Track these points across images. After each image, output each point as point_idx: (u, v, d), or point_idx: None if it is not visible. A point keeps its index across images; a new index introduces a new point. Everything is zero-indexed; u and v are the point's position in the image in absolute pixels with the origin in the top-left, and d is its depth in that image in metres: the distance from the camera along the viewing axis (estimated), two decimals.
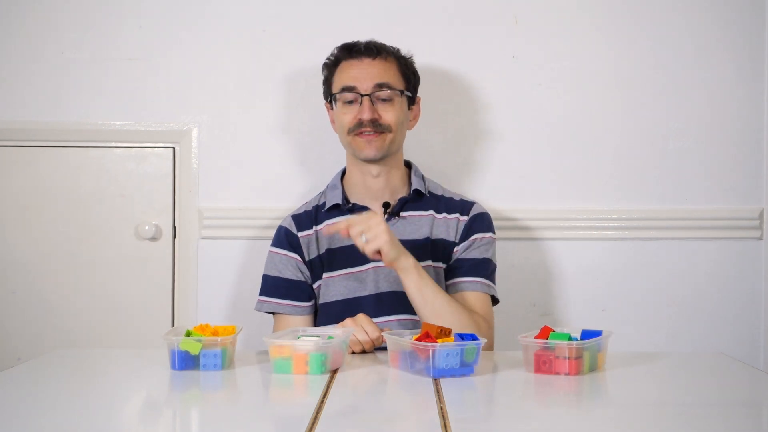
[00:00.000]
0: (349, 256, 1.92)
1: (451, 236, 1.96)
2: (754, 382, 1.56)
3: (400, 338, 1.56)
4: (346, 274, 1.92)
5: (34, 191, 2.33)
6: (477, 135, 2.33)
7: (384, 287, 1.90)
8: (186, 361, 1.54)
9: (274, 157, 2.33)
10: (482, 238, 1.96)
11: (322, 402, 1.32)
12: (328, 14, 2.32)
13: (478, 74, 2.33)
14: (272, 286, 1.94)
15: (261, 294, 1.96)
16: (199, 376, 1.51)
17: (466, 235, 1.96)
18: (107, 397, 1.41)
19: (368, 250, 1.73)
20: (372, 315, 1.84)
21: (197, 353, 1.54)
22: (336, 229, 1.78)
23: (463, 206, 2.00)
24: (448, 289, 1.92)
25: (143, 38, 2.33)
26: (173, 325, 2.31)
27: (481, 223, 1.98)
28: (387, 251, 1.73)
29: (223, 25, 2.33)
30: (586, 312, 2.32)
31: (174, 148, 2.33)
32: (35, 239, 2.32)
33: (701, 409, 1.33)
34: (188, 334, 1.57)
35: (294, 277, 1.94)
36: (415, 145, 2.30)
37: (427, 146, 2.32)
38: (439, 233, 1.95)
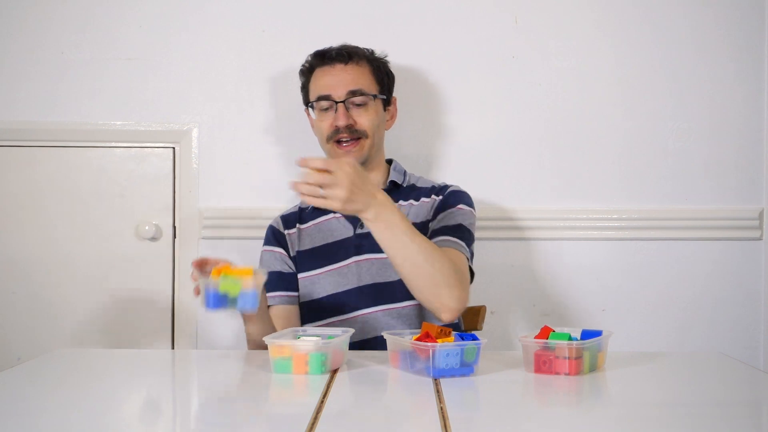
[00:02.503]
0: (330, 253, 1.96)
1: (428, 216, 1.95)
2: (754, 382, 1.56)
3: (400, 338, 1.56)
4: (328, 270, 1.95)
5: (34, 191, 2.33)
6: (476, 135, 2.33)
7: (366, 280, 1.92)
8: (221, 301, 1.55)
9: (274, 157, 2.33)
10: (459, 208, 1.92)
11: (322, 402, 1.32)
12: (328, 14, 2.32)
13: (478, 74, 2.33)
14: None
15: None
16: (199, 377, 1.51)
17: (440, 209, 1.93)
18: (107, 397, 1.41)
19: (319, 204, 1.58)
20: (356, 307, 1.90)
21: (236, 295, 1.55)
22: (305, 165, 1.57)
23: (440, 189, 1.99)
24: None
25: (143, 38, 2.33)
26: (173, 325, 2.32)
27: (458, 197, 1.95)
28: (340, 210, 1.59)
29: (222, 25, 2.33)
30: (586, 312, 2.32)
31: (174, 148, 2.33)
32: (35, 239, 2.32)
33: (701, 409, 1.33)
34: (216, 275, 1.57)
35: (282, 270, 1.98)
36: (416, 145, 2.30)
37: (426, 145, 2.32)
38: (415, 217, 1.96)
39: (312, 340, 1.54)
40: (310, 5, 2.33)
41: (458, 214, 1.92)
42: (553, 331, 1.54)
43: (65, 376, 1.58)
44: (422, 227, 1.93)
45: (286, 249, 2.00)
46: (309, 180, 1.57)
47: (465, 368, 1.49)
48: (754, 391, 1.49)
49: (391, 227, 1.66)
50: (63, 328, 2.32)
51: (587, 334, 1.55)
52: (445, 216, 1.92)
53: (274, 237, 2.02)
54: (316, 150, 2.29)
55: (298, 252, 1.99)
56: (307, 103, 2.03)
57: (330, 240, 1.97)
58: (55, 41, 2.32)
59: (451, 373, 1.48)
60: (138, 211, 2.33)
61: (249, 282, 1.56)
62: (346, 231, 1.97)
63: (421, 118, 2.31)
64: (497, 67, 2.33)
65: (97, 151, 2.34)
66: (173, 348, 2.30)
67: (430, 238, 1.87)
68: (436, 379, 1.46)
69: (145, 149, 2.34)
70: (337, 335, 1.58)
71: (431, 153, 2.32)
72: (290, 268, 1.99)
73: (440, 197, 1.97)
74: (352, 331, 1.63)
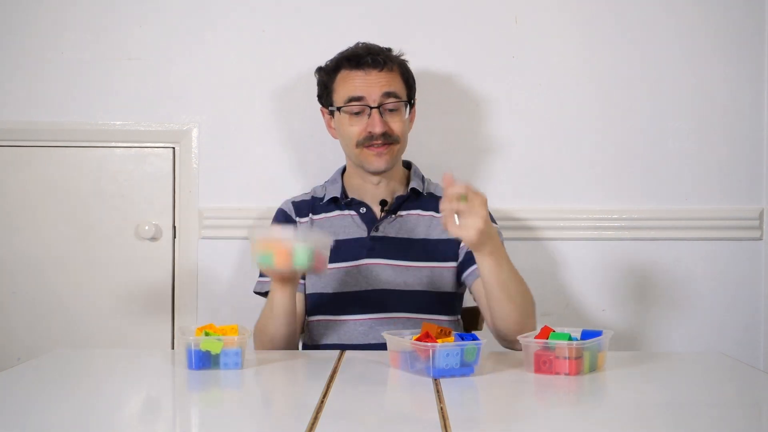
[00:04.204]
0: (342, 249, 1.92)
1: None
2: (754, 382, 1.56)
3: (400, 338, 1.56)
4: (338, 267, 1.92)
5: (34, 191, 2.33)
6: (477, 135, 2.33)
7: (375, 285, 1.91)
8: (203, 361, 1.54)
9: (273, 157, 2.33)
10: None
11: (322, 402, 1.32)
12: (328, 15, 2.32)
13: (479, 74, 2.33)
14: None
15: (261, 276, 1.96)
16: (198, 377, 1.51)
17: None
18: (107, 397, 1.41)
19: (455, 233, 1.58)
20: (362, 312, 1.88)
21: (218, 352, 1.54)
22: (452, 188, 1.58)
23: None
24: (468, 279, 1.90)
25: (143, 38, 2.33)
26: (173, 325, 2.32)
27: None
28: (473, 241, 1.58)
29: (223, 25, 2.33)
30: (586, 312, 2.32)
31: (174, 148, 2.33)
32: (35, 239, 2.32)
33: (701, 409, 1.33)
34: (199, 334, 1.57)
35: None
36: (416, 146, 2.29)
37: (428, 147, 2.31)
38: (440, 233, 1.94)
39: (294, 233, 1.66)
40: (310, 5, 2.33)
41: None
42: (553, 331, 1.54)
43: (65, 376, 1.58)
44: (449, 243, 1.93)
45: None
46: (448, 206, 1.57)
47: (465, 368, 1.49)
48: (754, 391, 1.49)
49: (500, 259, 1.68)
50: (63, 328, 2.31)
51: (587, 334, 1.55)
52: None
53: (287, 222, 1.99)
54: (317, 150, 2.30)
55: None
56: (329, 103, 1.96)
57: (342, 237, 1.93)
58: (55, 41, 2.32)
59: (451, 373, 1.48)
60: (138, 211, 2.33)
61: (232, 340, 1.55)
62: (360, 231, 1.94)
63: (420, 118, 2.30)
64: (497, 67, 2.33)
65: (97, 151, 2.34)
66: (173, 348, 2.30)
67: (467, 260, 1.89)
68: (436, 379, 1.46)
69: (145, 149, 2.34)
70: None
71: (429, 153, 2.32)
72: None
73: None
74: (332, 239, 1.70)
